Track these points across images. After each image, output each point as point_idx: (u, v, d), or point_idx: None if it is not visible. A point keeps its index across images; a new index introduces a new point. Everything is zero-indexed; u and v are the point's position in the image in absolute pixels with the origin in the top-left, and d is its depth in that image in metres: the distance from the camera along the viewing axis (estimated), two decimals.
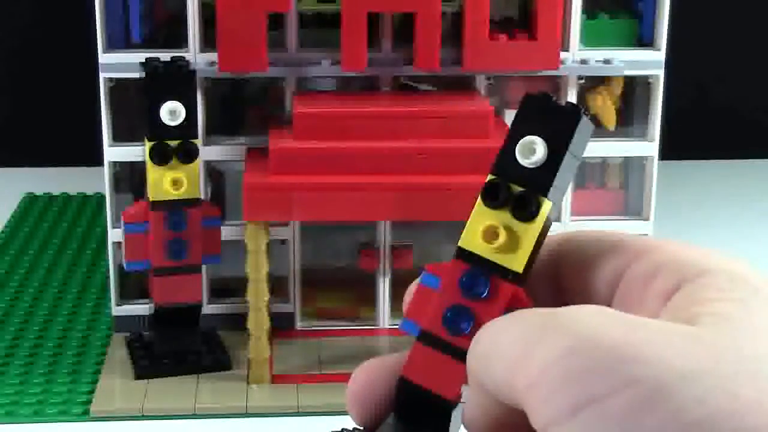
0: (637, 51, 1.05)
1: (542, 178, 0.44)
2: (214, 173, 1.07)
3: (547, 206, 0.42)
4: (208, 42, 1.01)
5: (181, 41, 1.02)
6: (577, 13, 1.02)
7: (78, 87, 1.35)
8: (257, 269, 0.95)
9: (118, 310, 1.07)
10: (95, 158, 1.07)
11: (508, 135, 0.43)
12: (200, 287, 1.01)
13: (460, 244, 0.45)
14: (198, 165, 0.97)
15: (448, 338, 0.44)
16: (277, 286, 1.04)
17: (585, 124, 0.41)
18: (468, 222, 0.45)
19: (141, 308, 1.07)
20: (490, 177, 0.44)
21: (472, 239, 0.45)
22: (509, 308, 0.43)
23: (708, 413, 0.29)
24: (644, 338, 0.31)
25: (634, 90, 1.07)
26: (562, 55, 1.02)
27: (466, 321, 0.44)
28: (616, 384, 0.30)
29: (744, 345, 0.31)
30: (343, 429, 0.42)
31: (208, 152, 1.04)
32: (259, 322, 0.97)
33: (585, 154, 1.01)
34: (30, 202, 1.47)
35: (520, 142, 0.43)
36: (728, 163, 1.62)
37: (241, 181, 0.94)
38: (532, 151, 0.42)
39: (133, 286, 1.07)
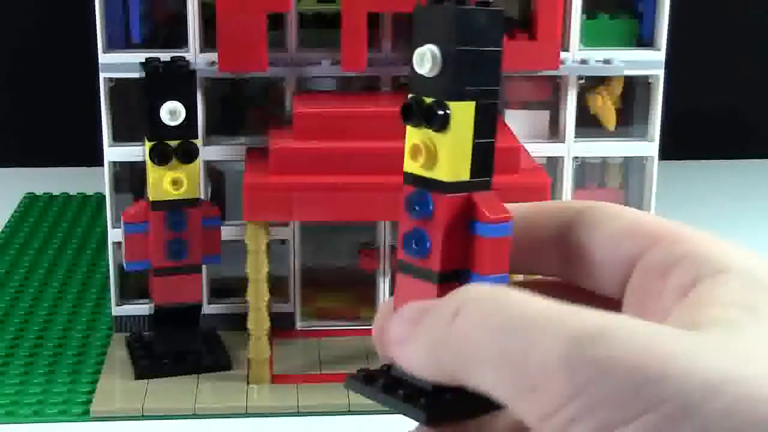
0: (637, 51, 1.05)
1: (444, 83, 0.43)
2: (214, 173, 1.07)
3: (463, 108, 0.42)
4: (208, 42, 1.01)
5: (181, 41, 1.02)
6: (577, 13, 1.02)
7: (78, 87, 1.35)
8: (257, 269, 0.95)
9: (118, 310, 1.07)
10: (95, 158, 1.07)
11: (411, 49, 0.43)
12: (200, 287, 1.01)
13: (403, 169, 0.46)
14: (198, 165, 0.97)
15: (414, 262, 0.44)
16: (277, 286, 1.04)
17: (473, 15, 0.39)
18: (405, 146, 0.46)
19: (141, 308, 1.07)
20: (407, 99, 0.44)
21: (407, 161, 0.45)
22: (471, 219, 0.43)
23: (734, 426, 0.28)
24: (666, 352, 0.29)
25: (634, 90, 1.07)
26: (562, 55, 1.02)
27: (422, 242, 0.44)
28: (643, 407, 0.29)
29: (761, 351, 0.30)
30: (364, 370, 0.40)
31: (208, 152, 1.04)
32: (259, 322, 0.97)
33: (585, 154, 1.03)
34: (30, 202, 1.47)
35: (414, 54, 0.42)
36: (728, 163, 1.62)
37: (241, 181, 0.94)
38: (423, 59, 0.42)
39: (133, 286, 1.07)
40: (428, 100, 0.43)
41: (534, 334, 0.31)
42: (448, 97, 0.43)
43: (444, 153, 0.44)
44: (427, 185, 0.44)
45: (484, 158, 0.42)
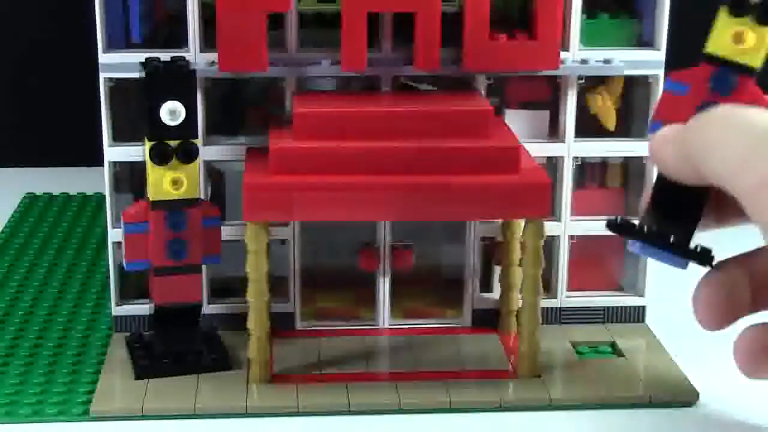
0: (637, 51, 1.05)
1: None
2: (214, 173, 1.07)
3: None
4: (208, 42, 1.01)
5: (181, 41, 1.02)
6: (577, 13, 1.02)
7: (78, 87, 1.35)
8: (257, 269, 0.95)
9: (118, 310, 1.07)
10: (95, 158, 1.07)
11: None
12: (200, 287, 1.01)
13: (707, 50, 0.66)
14: (198, 165, 0.96)
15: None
16: (277, 286, 1.04)
17: None
18: (713, 30, 0.66)
19: (141, 308, 1.07)
20: None
21: (718, 44, 0.65)
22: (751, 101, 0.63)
23: None
24: None
25: (634, 90, 1.07)
26: (562, 55, 1.02)
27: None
28: None
29: None
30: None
31: (208, 152, 1.04)
32: (259, 322, 0.97)
33: (585, 154, 1.08)
34: (30, 202, 1.47)
35: None
36: None
37: (241, 181, 0.94)
38: None
39: (133, 286, 1.07)
40: None
41: (753, 135, 0.55)
42: None
43: (765, 43, 0.63)
44: (736, 67, 0.64)
45: None
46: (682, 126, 0.62)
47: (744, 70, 0.64)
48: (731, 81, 0.65)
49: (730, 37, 0.65)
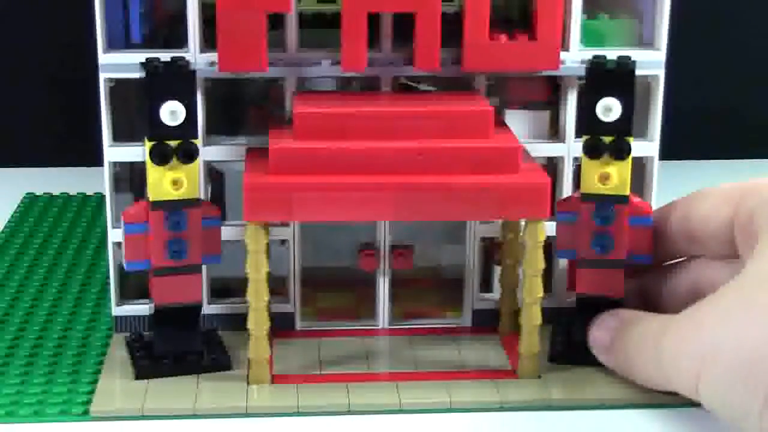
0: (637, 51, 1.04)
1: (624, 125, 0.73)
2: (214, 173, 1.07)
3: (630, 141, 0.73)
4: (208, 42, 1.01)
5: (181, 41, 1.01)
6: (577, 13, 1.02)
7: (78, 87, 1.35)
8: (257, 269, 0.95)
9: (118, 310, 1.07)
10: (95, 158, 1.07)
11: (584, 102, 0.67)
12: (200, 287, 1.01)
13: (583, 191, 0.78)
14: (198, 165, 0.96)
15: (600, 257, 0.76)
16: (277, 286, 1.04)
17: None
18: (582, 173, 0.77)
19: (141, 308, 1.07)
20: (585, 137, 0.74)
21: (590, 186, 0.76)
22: (632, 215, 0.74)
23: None
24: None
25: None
26: (562, 55, 1.02)
27: (609, 242, 0.75)
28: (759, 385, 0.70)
29: None
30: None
31: (208, 152, 1.04)
32: (259, 322, 0.97)
33: None
34: (30, 202, 1.47)
35: (599, 105, 0.71)
36: (728, 163, 1.62)
37: (241, 181, 0.94)
38: (610, 110, 0.70)
39: (133, 286, 1.07)
40: (606, 138, 0.73)
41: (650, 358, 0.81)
42: (629, 135, 0.73)
43: (626, 175, 0.74)
44: (608, 200, 0.74)
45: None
46: (613, 339, 0.85)
47: (617, 200, 0.77)
48: (611, 214, 0.77)
49: (597, 179, 0.78)
